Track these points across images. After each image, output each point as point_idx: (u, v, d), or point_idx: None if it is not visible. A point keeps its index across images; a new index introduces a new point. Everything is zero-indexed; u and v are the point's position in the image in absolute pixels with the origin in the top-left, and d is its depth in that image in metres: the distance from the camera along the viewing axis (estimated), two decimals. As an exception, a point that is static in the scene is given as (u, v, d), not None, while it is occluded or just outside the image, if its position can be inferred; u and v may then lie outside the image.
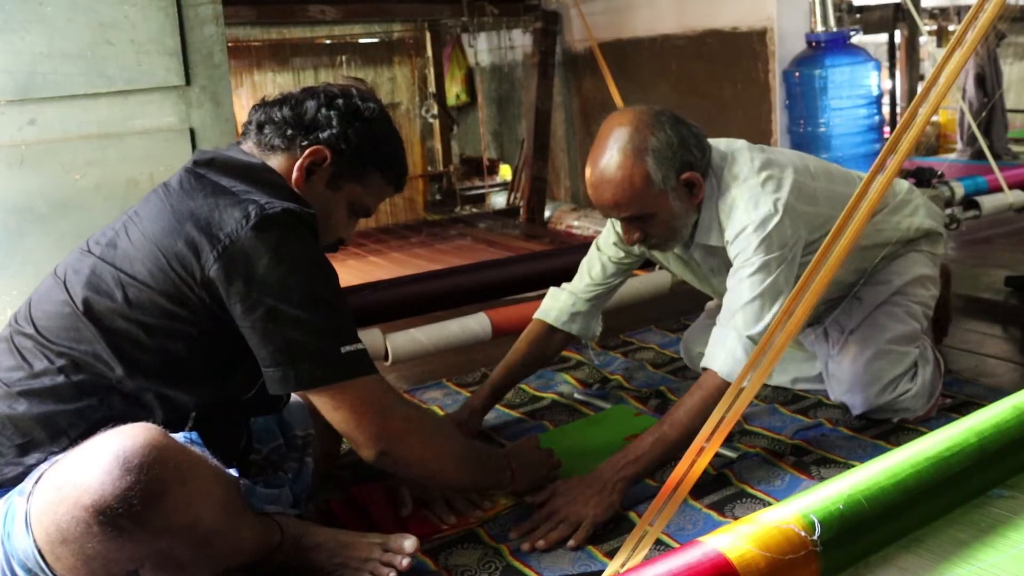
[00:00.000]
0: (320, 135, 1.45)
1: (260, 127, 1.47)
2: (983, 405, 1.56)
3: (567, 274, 2.10)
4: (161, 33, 2.02)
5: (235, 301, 1.28)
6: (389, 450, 1.37)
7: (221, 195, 1.33)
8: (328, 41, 5.35)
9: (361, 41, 5.50)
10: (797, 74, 3.97)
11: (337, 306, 1.34)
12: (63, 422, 1.26)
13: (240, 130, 1.54)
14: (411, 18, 5.47)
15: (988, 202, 3.60)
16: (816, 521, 1.17)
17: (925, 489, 1.30)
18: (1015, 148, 6.02)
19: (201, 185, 1.36)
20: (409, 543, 1.41)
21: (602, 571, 1.26)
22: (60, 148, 1.98)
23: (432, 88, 5.95)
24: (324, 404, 1.34)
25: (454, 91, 6.34)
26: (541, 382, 2.28)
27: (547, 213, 5.57)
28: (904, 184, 2.09)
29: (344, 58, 5.37)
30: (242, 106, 5.03)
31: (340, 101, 1.47)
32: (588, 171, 1.74)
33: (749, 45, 4.13)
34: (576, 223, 5.19)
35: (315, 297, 1.31)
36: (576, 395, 2.20)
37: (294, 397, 1.67)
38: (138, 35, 2.00)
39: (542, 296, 2.11)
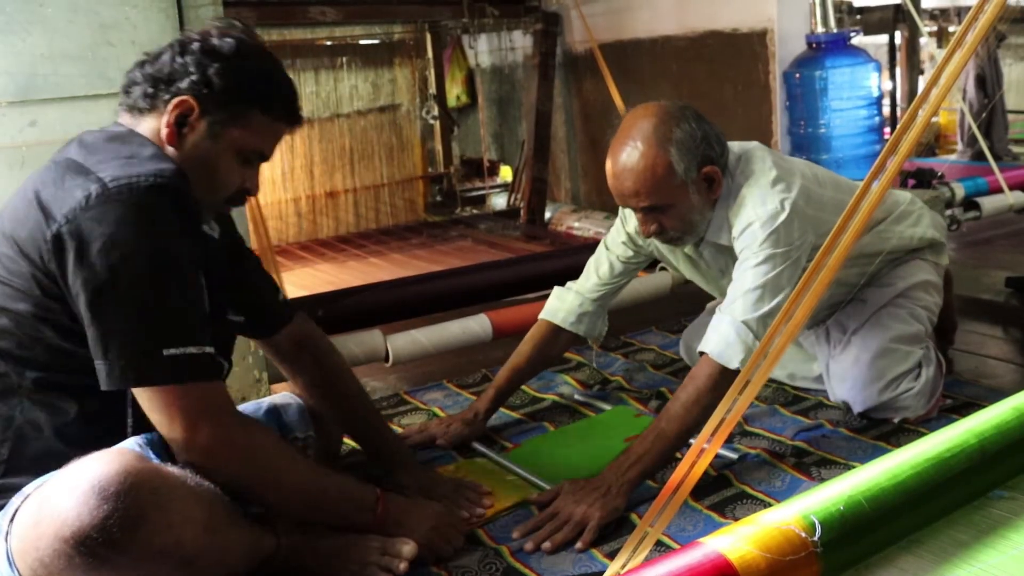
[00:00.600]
0: (180, 85, 1.33)
1: (126, 92, 1.38)
2: (983, 406, 1.56)
3: (567, 275, 2.10)
4: (162, 34, 2.02)
5: (69, 287, 1.20)
6: (202, 463, 1.25)
7: (70, 174, 1.23)
8: (328, 42, 5.35)
9: (361, 42, 5.50)
10: (797, 75, 3.97)
11: (173, 301, 1.22)
12: None
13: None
14: (411, 19, 5.46)
15: (988, 203, 3.60)
16: (817, 522, 1.17)
17: (925, 490, 1.30)
18: (1015, 149, 6.02)
19: (56, 166, 1.28)
20: (408, 548, 1.41)
21: (603, 572, 1.26)
22: (61, 149, 1.98)
23: (432, 89, 5.95)
24: (143, 402, 1.24)
25: (454, 92, 6.34)
26: (542, 383, 2.28)
27: (547, 214, 5.57)
28: (907, 195, 2.10)
29: (344, 59, 5.36)
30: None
31: (195, 45, 1.35)
32: (610, 160, 1.75)
33: (749, 46, 4.13)
34: (576, 224, 5.19)
35: (147, 289, 1.20)
36: (576, 396, 2.20)
37: (295, 400, 1.67)
38: (139, 36, 2.00)
39: (543, 297, 2.11)
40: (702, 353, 1.69)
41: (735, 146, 1.85)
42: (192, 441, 1.24)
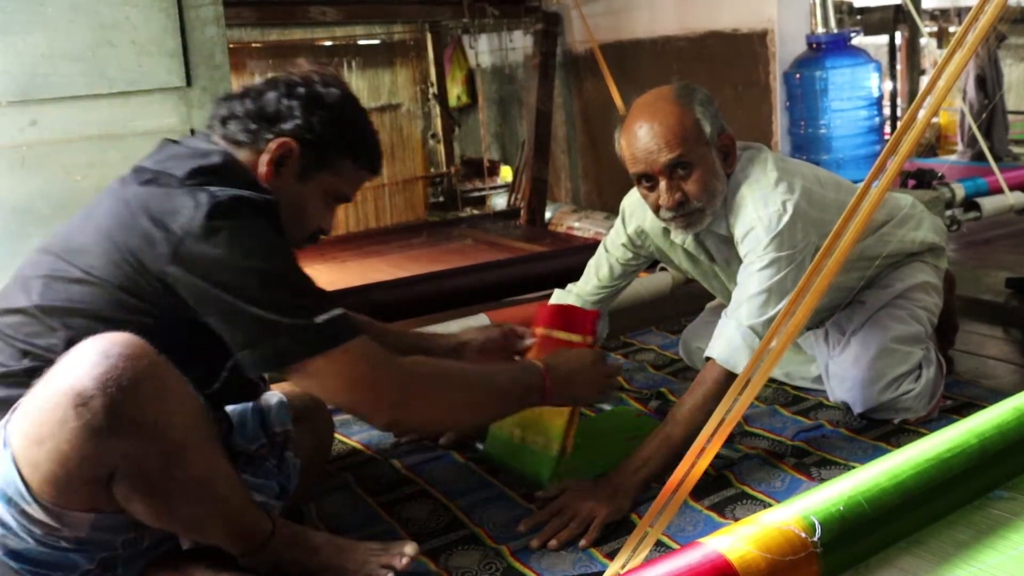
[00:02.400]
0: (284, 127, 1.41)
1: (223, 122, 1.44)
2: (984, 407, 1.56)
3: (567, 275, 2.10)
4: (162, 34, 2.02)
5: (194, 292, 1.25)
6: (396, 418, 1.36)
7: (175, 185, 1.30)
8: (329, 42, 5.35)
9: (362, 42, 5.50)
10: (798, 75, 3.98)
11: (301, 283, 1.31)
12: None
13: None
14: (412, 19, 5.47)
15: (989, 203, 3.60)
16: (816, 522, 1.17)
17: (926, 490, 1.30)
18: (1016, 150, 6.02)
19: (155, 176, 1.33)
20: (410, 547, 1.40)
21: (603, 572, 1.26)
22: (61, 149, 1.98)
23: (433, 89, 5.95)
24: (314, 380, 1.30)
25: (455, 92, 6.35)
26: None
27: (548, 214, 5.58)
28: (908, 198, 2.10)
29: (345, 59, 5.37)
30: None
31: (301, 89, 1.43)
32: (629, 130, 1.74)
33: (750, 47, 4.13)
34: (577, 224, 5.19)
35: (277, 277, 1.28)
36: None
37: (278, 395, 1.65)
38: (139, 36, 2.00)
39: (543, 297, 2.11)
40: (708, 358, 1.70)
41: (737, 144, 1.85)
42: (386, 397, 1.32)
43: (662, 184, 1.74)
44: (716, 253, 1.93)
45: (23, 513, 1.15)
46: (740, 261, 1.78)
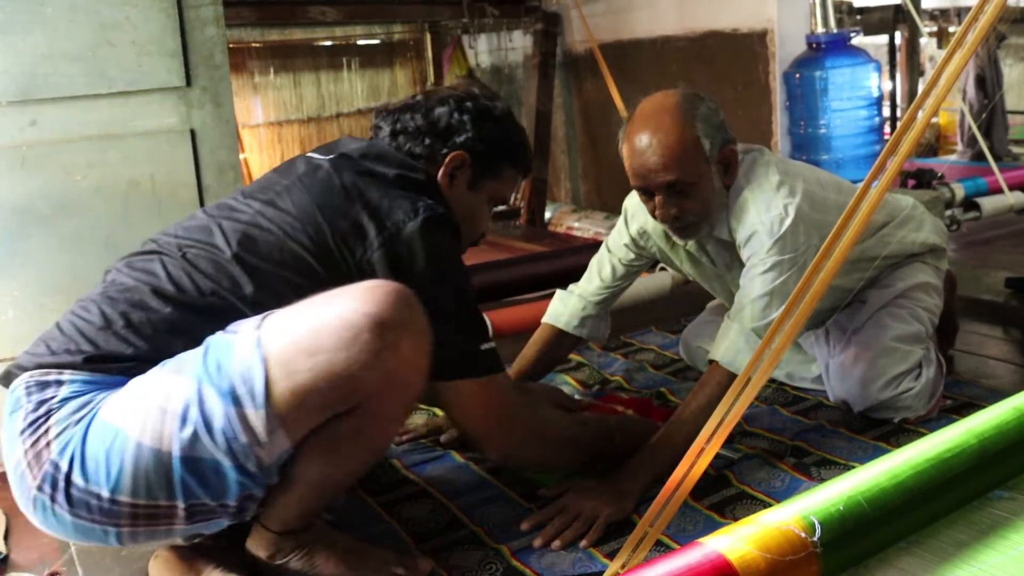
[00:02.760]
0: (457, 140, 1.53)
1: (394, 135, 1.55)
2: (983, 406, 1.56)
3: (567, 275, 2.11)
4: (162, 34, 2.02)
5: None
6: (512, 455, 1.54)
7: (392, 188, 1.42)
8: (329, 42, 5.36)
9: (362, 42, 5.50)
10: (798, 75, 3.97)
11: (476, 308, 1.45)
12: (192, 337, 1.28)
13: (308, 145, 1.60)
14: (411, 19, 5.47)
15: (988, 203, 3.60)
16: (816, 522, 1.17)
17: (925, 490, 1.30)
18: (1016, 150, 6.02)
19: (372, 173, 1.44)
20: (424, 563, 1.43)
21: (603, 572, 1.26)
22: (61, 149, 1.98)
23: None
24: (457, 399, 1.44)
25: (455, 92, 6.34)
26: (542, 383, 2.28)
27: (547, 215, 5.57)
28: (909, 199, 2.10)
29: (345, 59, 5.37)
30: (257, 111, 5.04)
31: (469, 104, 1.55)
32: (632, 138, 1.73)
33: (749, 46, 4.13)
34: (576, 224, 5.19)
35: (462, 297, 1.42)
36: (576, 396, 2.20)
37: None
38: (139, 36, 2.00)
39: (543, 297, 2.11)
40: (711, 361, 1.70)
41: (739, 146, 1.85)
42: (511, 438, 1.49)
43: (658, 199, 1.76)
44: (716, 257, 1.93)
45: (241, 417, 1.18)
46: (741, 265, 1.78)
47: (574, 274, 2.10)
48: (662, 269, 2.68)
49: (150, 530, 1.24)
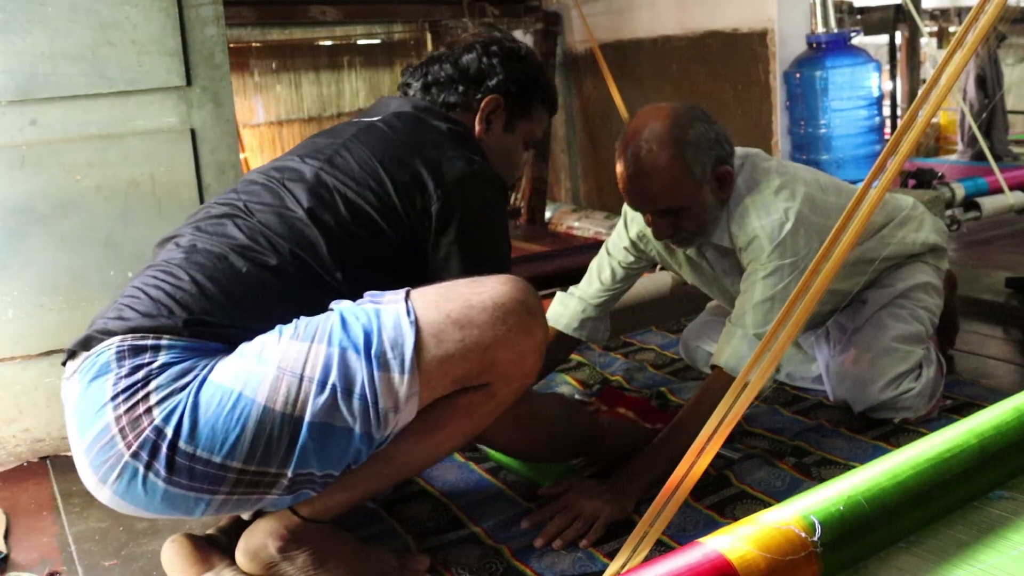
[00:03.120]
0: (489, 84, 1.56)
1: (426, 88, 1.57)
2: (983, 406, 1.56)
3: (568, 275, 2.11)
4: (162, 34, 2.02)
5: (444, 236, 1.40)
6: (498, 437, 1.51)
7: (447, 143, 1.46)
8: (329, 42, 5.35)
9: (362, 42, 5.50)
10: (798, 75, 3.97)
11: (509, 264, 1.53)
12: (279, 300, 1.30)
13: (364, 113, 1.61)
14: (412, 19, 5.46)
15: (989, 203, 3.60)
16: (816, 522, 1.17)
17: (925, 490, 1.30)
18: (1016, 149, 6.01)
19: (426, 128, 1.48)
20: (421, 561, 1.45)
21: (602, 572, 1.26)
22: (61, 149, 1.98)
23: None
24: None
25: (455, 92, 6.34)
26: (542, 383, 2.28)
27: (548, 214, 5.57)
28: (909, 200, 2.10)
29: (345, 59, 5.36)
30: (257, 110, 5.03)
31: (495, 48, 1.58)
32: (622, 165, 1.74)
33: (750, 46, 4.13)
34: (576, 224, 5.18)
35: (505, 246, 1.51)
36: (576, 396, 2.20)
37: None
38: (139, 36, 2.00)
39: (543, 297, 2.11)
40: (714, 366, 1.70)
41: (737, 151, 1.85)
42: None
43: (652, 220, 1.79)
44: (716, 263, 1.93)
45: (387, 381, 1.21)
46: (741, 271, 1.79)
47: (574, 274, 2.10)
48: (662, 269, 2.68)
49: (242, 499, 1.24)
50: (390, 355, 1.21)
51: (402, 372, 1.21)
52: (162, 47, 2.02)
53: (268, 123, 5.13)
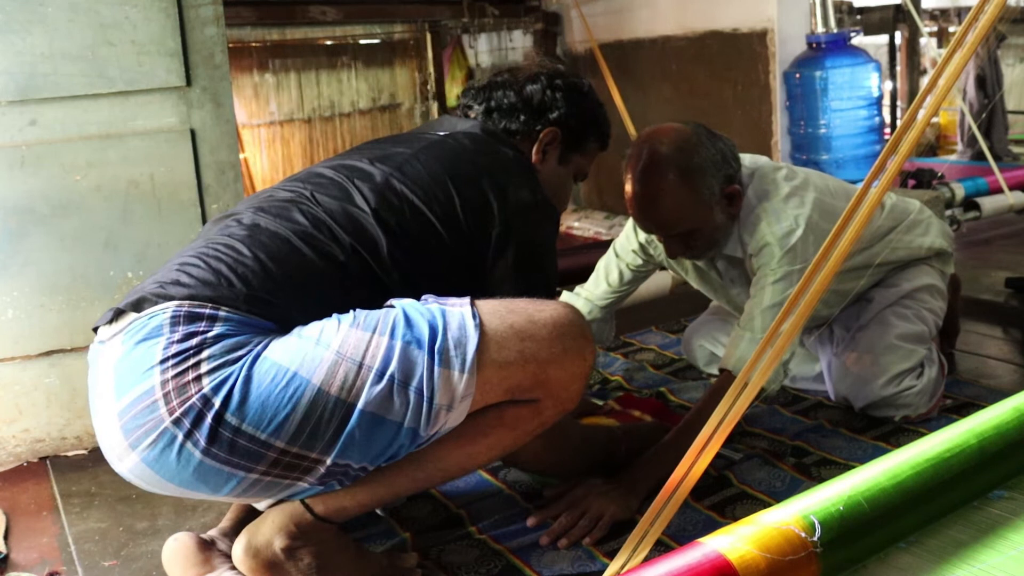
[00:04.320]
0: (550, 116, 1.60)
1: (488, 113, 1.61)
2: (983, 406, 1.56)
3: (568, 275, 2.11)
4: (162, 34, 2.02)
5: (502, 257, 1.45)
6: (516, 453, 1.50)
7: (513, 169, 1.51)
8: (329, 42, 5.35)
9: (362, 42, 5.50)
10: (797, 75, 3.97)
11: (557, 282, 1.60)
12: (337, 290, 1.32)
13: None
14: (412, 19, 5.46)
15: (988, 203, 3.59)
16: (816, 522, 1.17)
17: (925, 490, 1.30)
18: (1016, 149, 6.01)
19: (495, 152, 1.53)
20: (412, 559, 1.45)
21: (602, 571, 1.26)
22: (61, 149, 1.98)
23: (433, 89, 5.94)
24: None
25: (455, 92, 6.34)
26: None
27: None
28: (916, 203, 2.10)
29: (345, 59, 5.36)
30: (257, 110, 5.03)
31: (560, 81, 1.62)
32: (630, 190, 1.76)
33: (749, 46, 4.13)
34: (576, 224, 5.18)
35: (555, 272, 1.56)
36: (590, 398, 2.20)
37: None
38: (139, 36, 2.00)
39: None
40: (722, 370, 1.72)
41: (745, 160, 1.86)
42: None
43: (662, 241, 1.83)
44: (725, 272, 1.95)
45: (446, 377, 1.23)
46: (748, 282, 1.81)
47: (574, 273, 2.10)
48: (663, 269, 2.68)
49: (274, 482, 1.24)
50: (452, 352, 1.23)
51: (462, 371, 1.23)
52: (162, 47, 2.02)
53: (268, 123, 5.13)
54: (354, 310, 1.28)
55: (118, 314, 1.28)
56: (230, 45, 2.92)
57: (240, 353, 1.21)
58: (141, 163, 2.05)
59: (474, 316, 1.27)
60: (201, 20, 2.06)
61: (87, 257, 2.03)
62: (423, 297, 1.32)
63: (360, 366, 1.21)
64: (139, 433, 1.20)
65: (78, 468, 1.99)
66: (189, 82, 2.07)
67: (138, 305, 1.26)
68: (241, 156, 3.89)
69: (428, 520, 1.62)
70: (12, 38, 1.90)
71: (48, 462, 2.03)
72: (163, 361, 1.19)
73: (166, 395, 1.18)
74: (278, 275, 1.30)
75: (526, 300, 1.34)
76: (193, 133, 2.09)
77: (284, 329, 1.26)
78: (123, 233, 2.05)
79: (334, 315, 1.27)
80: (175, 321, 1.22)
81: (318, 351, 1.21)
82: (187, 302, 1.24)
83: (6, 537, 1.68)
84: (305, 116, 5.23)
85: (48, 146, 1.97)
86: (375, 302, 1.30)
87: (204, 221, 2.09)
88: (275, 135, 5.16)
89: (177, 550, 1.39)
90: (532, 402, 1.32)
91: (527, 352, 1.28)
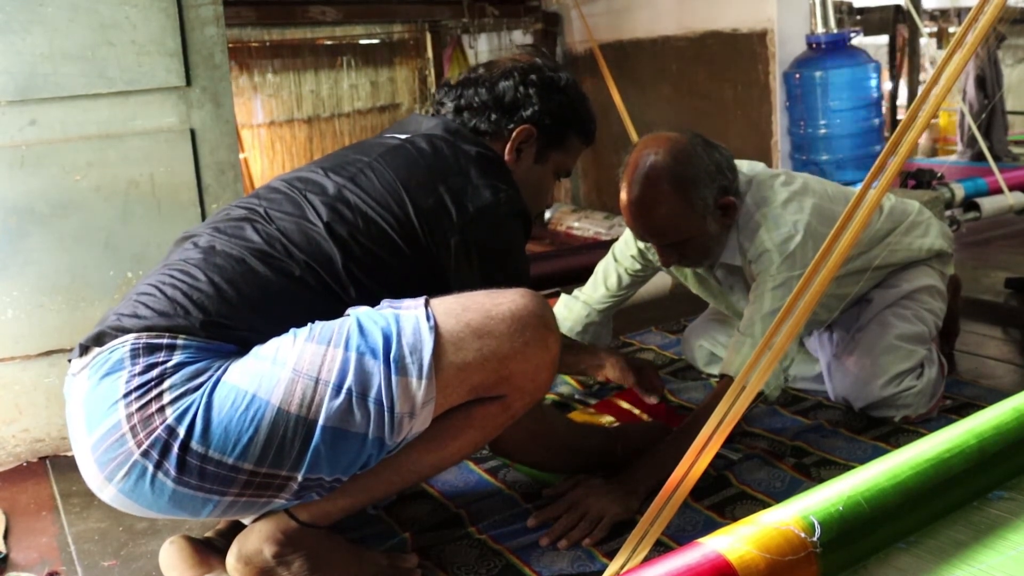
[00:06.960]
0: (523, 114, 1.53)
1: (459, 111, 1.55)
2: (983, 407, 1.56)
3: (568, 275, 2.12)
4: (162, 34, 2.02)
5: (463, 262, 1.40)
6: (512, 453, 1.58)
7: (473, 168, 1.44)
8: (328, 42, 5.35)
9: (361, 42, 5.50)
10: (797, 76, 3.97)
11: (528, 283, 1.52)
12: (295, 306, 1.30)
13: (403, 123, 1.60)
14: (411, 19, 5.46)
15: (988, 204, 3.59)
16: (816, 522, 1.17)
17: (925, 491, 1.30)
18: (1015, 150, 6.01)
19: (455, 152, 1.46)
20: (412, 560, 1.44)
21: (602, 571, 1.26)
22: (61, 149, 1.98)
23: (433, 89, 5.94)
24: None
25: (455, 92, 6.34)
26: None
27: (547, 214, 5.56)
28: (915, 204, 2.10)
29: (345, 59, 5.36)
30: (256, 110, 5.03)
31: (534, 76, 1.54)
32: (626, 199, 1.76)
33: (749, 47, 4.13)
34: (576, 224, 5.18)
35: (524, 273, 1.49)
36: (576, 396, 2.20)
37: None
38: (139, 36, 2.00)
39: (545, 297, 2.12)
40: (723, 375, 1.72)
41: (743, 167, 1.86)
42: (513, 425, 1.41)
43: (657, 250, 1.84)
44: (724, 280, 1.95)
45: (404, 385, 1.21)
46: (747, 288, 1.82)
47: (574, 274, 2.11)
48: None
49: (250, 502, 1.24)
50: (408, 359, 1.21)
51: (420, 377, 1.21)
52: (162, 47, 2.02)
53: (267, 123, 5.13)
54: (313, 322, 1.27)
55: (85, 348, 1.29)
56: (230, 45, 2.93)
57: (201, 380, 1.21)
58: (141, 163, 2.05)
59: (428, 318, 1.25)
60: (201, 20, 2.06)
61: (87, 257, 2.03)
62: (382, 302, 1.30)
63: (317, 381, 1.20)
64: (112, 466, 1.21)
65: (78, 468, 1.98)
66: (189, 82, 2.07)
67: (99, 339, 1.27)
68: (241, 156, 3.89)
69: (427, 520, 1.62)
70: (12, 38, 1.90)
71: (48, 462, 2.03)
72: (127, 395, 1.20)
73: (132, 428, 1.19)
74: (234, 297, 1.29)
75: (484, 293, 1.31)
76: (193, 133, 2.09)
77: (246, 350, 1.26)
78: (123, 233, 2.05)
79: (291, 330, 1.26)
80: (135, 354, 1.23)
81: (275, 370, 1.21)
82: (144, 334, 1.24)
83: (6, 537, 1.68)
84: (305, 116, 5.23)
85: (48, 146, 1.97)
86: (337, 315, 1.30)
87: (203, 221, 2.09)
88: (275, 135, 5.16)
89: (174, 553, 1.40)
90: (500, 398, 1.31)
91: (486, 350, 1.26)
